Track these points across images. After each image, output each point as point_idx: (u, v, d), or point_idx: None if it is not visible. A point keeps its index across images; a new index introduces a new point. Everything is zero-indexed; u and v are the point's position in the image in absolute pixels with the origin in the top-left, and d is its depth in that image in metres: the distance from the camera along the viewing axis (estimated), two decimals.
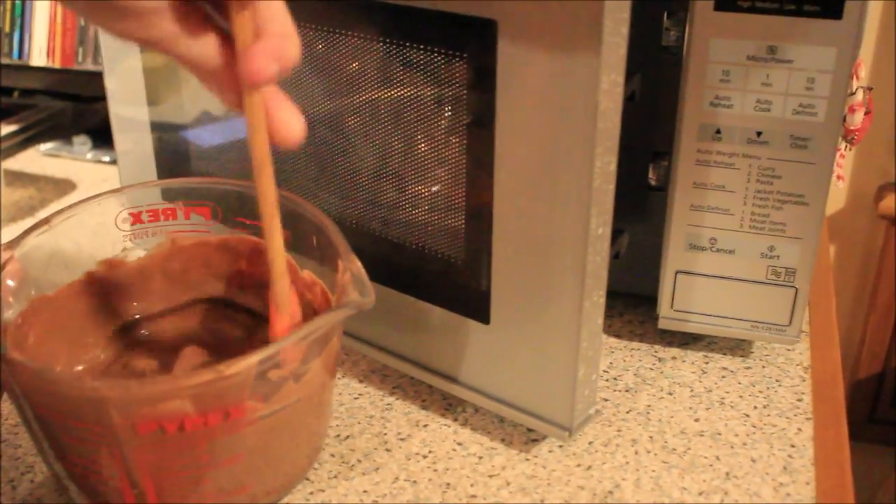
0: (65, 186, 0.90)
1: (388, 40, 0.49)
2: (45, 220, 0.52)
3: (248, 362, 0.41)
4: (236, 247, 0.57)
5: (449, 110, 0.48)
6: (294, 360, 0.44)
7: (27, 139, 0.98)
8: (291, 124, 0.43)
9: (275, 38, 0.41)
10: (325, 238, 0.50)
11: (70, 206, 0.53)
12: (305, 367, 0.45)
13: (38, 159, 0.97)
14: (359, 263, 0.47)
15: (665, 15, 0.55)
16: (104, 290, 0.56)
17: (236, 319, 0.58)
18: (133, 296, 0.57)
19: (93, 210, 0.54)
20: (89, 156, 0.96)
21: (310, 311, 0.52)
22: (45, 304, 0.52)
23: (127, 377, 0.54)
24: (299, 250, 0.53)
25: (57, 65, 1.00)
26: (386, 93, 0.52)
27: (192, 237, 0.57)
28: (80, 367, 0.54)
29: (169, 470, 0.44)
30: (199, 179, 0.58)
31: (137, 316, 0.57)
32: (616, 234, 0.62)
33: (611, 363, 0.62)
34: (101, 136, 0.97)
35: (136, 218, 0.56)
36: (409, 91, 0.50)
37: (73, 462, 0.45)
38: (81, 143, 0.97)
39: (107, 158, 0.96)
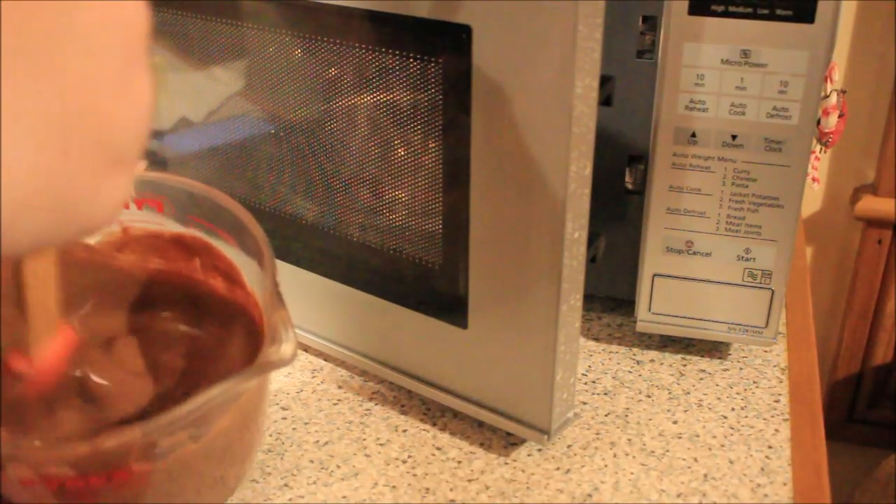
0: None
1: (364, 46, 0.49)
2: None
3: (129, 435, 0.38)
4: (191, 243, 0.55)
5: (425, 115, 0.49)
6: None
7: None
8: None
9: None
10: (264, 265, 0.47)
11: None
12: (202, 429, 0.42)
13: None
14: (285, 312, 0.43)
15: (640, 19, 0.55)
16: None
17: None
18: (81, 290, 0.55)
19: None
20: None
21: (253, 331, 0.51)
22: None
23: None
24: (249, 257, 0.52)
25: None
26: (362, 98, 0.52)
27: (144, 227, 0.55)
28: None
29: None
30: (151, 174, 0.55)
31: (81, 312, 0.55)
32: (593, 237, 0.62)
33: (589, 366, 0.62)
34: None
35: None
36: (385, 97, 0.50)
37: None
38: None
39: None
